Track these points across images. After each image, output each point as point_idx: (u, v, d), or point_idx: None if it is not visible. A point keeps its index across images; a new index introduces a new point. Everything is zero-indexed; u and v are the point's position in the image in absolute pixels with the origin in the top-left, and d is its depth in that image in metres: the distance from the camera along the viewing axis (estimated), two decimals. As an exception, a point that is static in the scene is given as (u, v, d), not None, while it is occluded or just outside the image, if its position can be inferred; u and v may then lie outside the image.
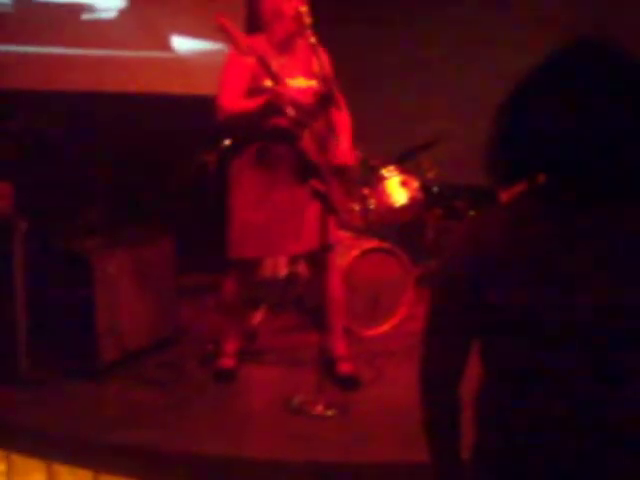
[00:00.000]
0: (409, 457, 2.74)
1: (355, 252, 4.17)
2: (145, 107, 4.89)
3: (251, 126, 3.35)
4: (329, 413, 3.22)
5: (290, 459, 2.90)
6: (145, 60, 5.16)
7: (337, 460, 2.89)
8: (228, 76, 3.33)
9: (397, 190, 4.41)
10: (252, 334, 4.11)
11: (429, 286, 2.63)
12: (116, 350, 3.65)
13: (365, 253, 4.21)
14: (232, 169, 3.52)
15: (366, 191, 4.40)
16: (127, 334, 3.70)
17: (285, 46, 3.37)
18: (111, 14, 5.07)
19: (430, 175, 4.68)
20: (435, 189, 4.88)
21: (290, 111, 3.16)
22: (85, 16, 4.97)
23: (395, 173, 4.45)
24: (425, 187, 4.58)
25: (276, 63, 3.18)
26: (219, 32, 3.07)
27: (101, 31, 5.02)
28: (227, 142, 3.68)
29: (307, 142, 3.24)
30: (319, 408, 3.23)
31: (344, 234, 4.33)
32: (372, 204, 4.39)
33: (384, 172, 4.44)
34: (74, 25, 4.90)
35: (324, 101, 3.22)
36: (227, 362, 3.66)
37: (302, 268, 4.32)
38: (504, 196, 1.51)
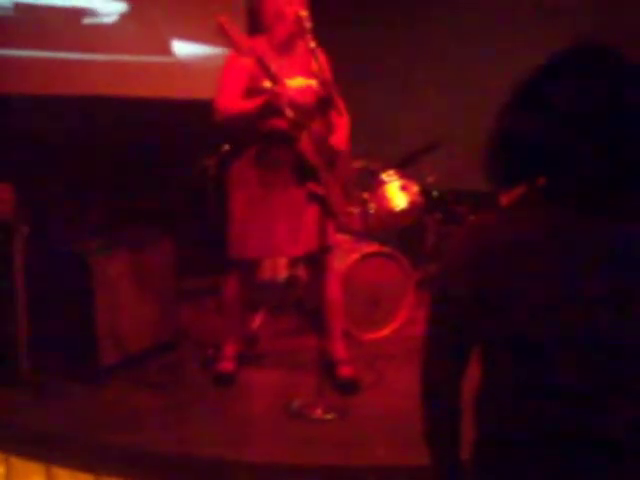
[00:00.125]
0: (408, 460, 2.74)
1: (355, 256, 4.17)
2: (146, 111, 4.91)
3: (249, 127, 3.36)
4: (328, 417, 3.22)
5: (290, 462, 2.90)
6: (146, 64, 5.17)
7: (336, 463, 2.89)
8: (227, 77, 3.34)
9: (397, 194, 4.42)
10: (252, 338, 4.11)
11: (429, 290, 2.63)
12: (116, 353, 3.65)
13: (365, 257, 4.21)
14: (231, 171, 3.53)
15: (366, 195, 4.41)
16: (127, 336, 3.70)
17: (285, 48, 3.38)
18: (113, 19, 5.08)
19: (430, 179, 4.69)
20: (435, 193, 4.89)
21: (289, 112, 3.17)
22: (87, 20, 4.98)
23: (395, 177, 4.46)
24: (425, 191, 4.58)
25: (275, 64, 3.19)
26: (218, 32, 3.07)
27: (103, 35, 5.03)
28: (227, 146, 3.69)
29: (305, 144, 3.25)
30: (318, 412, 3.23)
31: (344, 238, 4.34)
32: (372, 208, 4.39)
33: (384, 176, 4.45)
34: (76, 30, 4.91)
35: (323, 104, 3.23)
36: (227, 365, 3.66)
37: (301, 271, 4.32)
38: (504, 199, 1.51)
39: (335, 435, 3.11)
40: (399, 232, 4.85)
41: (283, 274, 4.74)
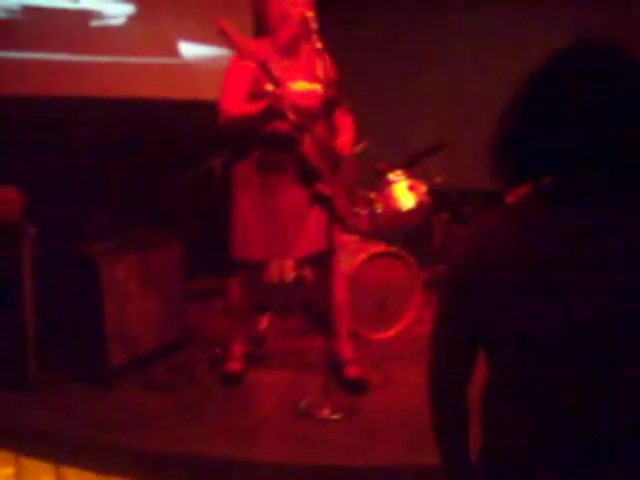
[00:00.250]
0: (416, 460, 2.75)
1: (362, 256, 4.17)
2: (153, 112, 4.92)
3: (253, 130, 3.36)
4: (336, 417, 3.23)
5: (297, 462, 2.90)
6: (153, 66, 5.19)
7: (343, 463, 2.89)
8: (230, 80, 3.34)
9: (404, 194, 4.42)
10: (259, 338, 4.11)
11: (436, 290, 2.63)
12: (125, 354, 3.67)
13: (372, 257, 4.21)
14: (235, 173, 3.54)
15: (373, 195, 4.41)
16: (135, 337, 3.71)
17: (289, 50, 3.38)
18: (120, 21, 5.09)
19: (438, 179, 4.68)
20: (443, 193, 4.88)
21: (291, 115, 3.17)
22: (94, 23, 4.99)
23: (403, 177, 4.45)
24: (433, 191, 4.58)
25: (278, 66, 3.19)
26: (219, 36, 3.08)
27: (109, 38, 5.05)
28: (229, 149, 3.70)
29: (308, 147, 3.25)
30: (326, 412, 3.24)
31: (351, 238, 4.34)
32: (379, 208, 4.39)
33: (391, 176, 4.45)
34: (83, 32, 4.93)
35: (327, 107, 3.23)
36: (234, 366, 3.67)
37: (308, 272, 4.32)
38: (510, 199, 1.52)
39: (342, 435, 3.11)
40: (406, 232, 4.84)
41: (290, 275, 4.74)
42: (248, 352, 3.77)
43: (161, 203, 4.79)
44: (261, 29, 3.55)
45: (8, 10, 4.70)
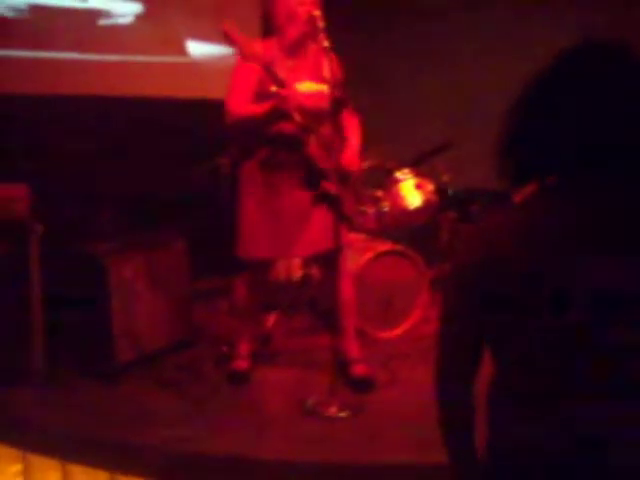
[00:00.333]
0: (422, 459, 2.74)
1: (369, 254, 4.17)
2: (160, 111, 4.92)
3: (258, 131, 3.37)
4: (342, 415, 3.23)
5: (303, 460, 2.90)
6: (160, 65, 5.20)
7: (350, 461, 2.89)
8: (236, 81, 3.35)
9: (412, 193, 4.42)
10: (266, 337, 4.12)
11: (441, 289, 2.63)
12: (132, 352, 3.68)
13: (379, 255, 4.21)
14: (242, 172, 3.55)
15: (380, 194, 4.41)
16: (142, 336, 3.73)
17: (296, 49, 3.39)
18: (127, 19, 5.11)
19: (445, 178, 4.68)
20: (450, 192, 4.88)
21: (296, 116, 3.18)
22: (102, 21, 5.00)
23: (410, 176, 4.45)
24: (440, 190, 4.58)
25: (285, 67, 3.21)
26: (224, 39, 3.09)
27: (117, 36, 5.06)
28: (235, 149, 3.71)
29: (313, 148, 3.26)
30: (332, 410, 3.24)
31: (358, 236, 4.34)
32: (386, 207, 4.39)
33: (398, 175, 4.44)
34: (91, 30, 4.94)
35: (334, 106, 3.23)
36: (241, 364, 3.68)
37: (315, 271, 4.33)
38: (517, 198, 1.52)
39: (348, 433, 3.11)
40: (413, 231, 4.84)
41: (297, 274, 4.75)
42: (255, 350, 3.77)
43: (167, 202, 4.79)
44: (269, 28, 3.55)
45: (16, 9, 4.72)
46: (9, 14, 4.71)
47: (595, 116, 1.30)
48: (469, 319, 1.46)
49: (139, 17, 5.11)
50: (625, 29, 1.42)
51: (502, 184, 1.44)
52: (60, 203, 4.18)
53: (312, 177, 3.29)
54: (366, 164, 4.09)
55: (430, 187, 4.48)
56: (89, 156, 4.69)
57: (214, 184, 4.12)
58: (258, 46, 3.27)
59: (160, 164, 4.91)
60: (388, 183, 4.45)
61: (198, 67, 5.34)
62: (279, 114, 3.19)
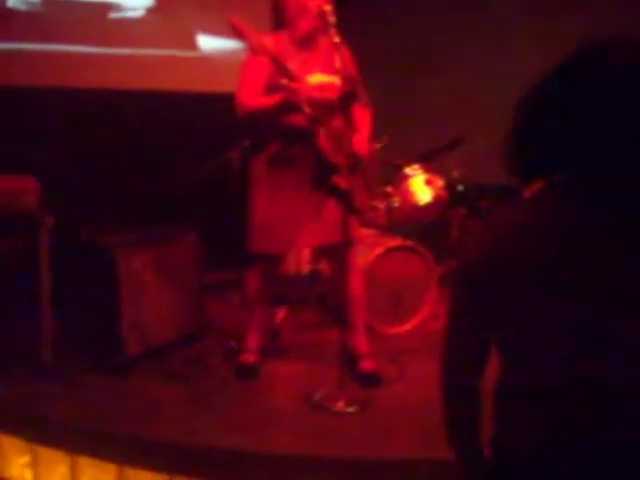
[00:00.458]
0: (430, 454, 2.74)
1: (379, 250, 4.17)
2: (170, 105, 4.93)
3: (269, 123, 3.37)
4: (350, 409, 3.23)
5: (311, 455, 2.91)
6: (171, 58, 5.20)
7: (358, 456, 2.90)
8: (247, 73, 3.36)
9: (422, 188, 4.42)
10: (275, 331, 4.13)
11: (449, 285, 2.62)
12: (140, 345, 3.69)
13: (389, 251, 4.21)
14: (252, 166, 3.55)
15: (390, 189, 4.41)
16: (151, 329, 3.74)
17: (307, 43, 3.38)
18: (138, 13, 5.11)
19: (455, 174, 4.67)
20: (460, 188, 4.86)
21: (306, 108, 3.18)
22: (112, 15, 5.01)
23: (420, 172, 4.45)
24: (450, 186, 4.57)
25: (295, 60, 3.20)
26: (233, 33, 3.09)
27: (128, 30, 5.07)
28: (247, 142, 3.71)
29: (323, 140, 3.25)
30: (340, 404, 3.24)
31: (368, 232, 4.34)
32: (396, 202, 4.39)
33: (408, 170, 4.44)
34: (101, 24, 4.95)
35: (345, 99, 3.23)
36: (250, 358, 3.68)
37: (324, 265, 4.33)
38: (527, 194, 1.51)
39: (356, 428, 3.11)
40: (423, 226, 4.83)
41: (306, 268, 4.75)
42: (263, 344, 3.78)
43: (178, 196, 4.80)
44: (279, 22, 3.55)
45: (28, 2, 4.73)
46: (21, 7, 4.72)
47: (609, 115, 1.30)
48: (476, 316, 1.46)
49: (150, 10, 5.12)
50: (625, 29, 1.41)
51: (512, 180, 1.44)
52: (71, 195, 4.18)
53: (322, 171, 3.29)
54: (379, 145, 4.07)
55: (440, 183, 4.47)
56: (99, 149, 4.70)
57: (225, 178, 4.12)
58: (268, 39, 3.27)
59: (171, 157, 4.92)
60: (398, 179, 4.44)
61: (208, 61, 5.33)
62: (289, 106, 3.19)
